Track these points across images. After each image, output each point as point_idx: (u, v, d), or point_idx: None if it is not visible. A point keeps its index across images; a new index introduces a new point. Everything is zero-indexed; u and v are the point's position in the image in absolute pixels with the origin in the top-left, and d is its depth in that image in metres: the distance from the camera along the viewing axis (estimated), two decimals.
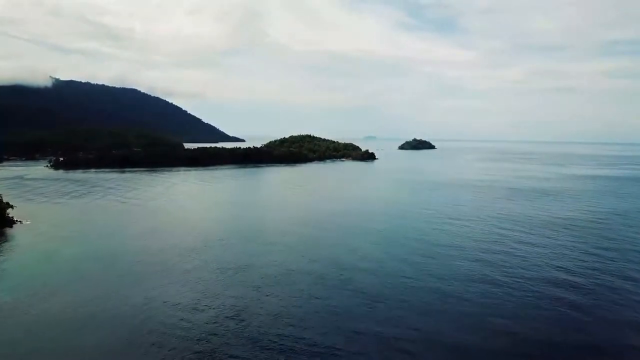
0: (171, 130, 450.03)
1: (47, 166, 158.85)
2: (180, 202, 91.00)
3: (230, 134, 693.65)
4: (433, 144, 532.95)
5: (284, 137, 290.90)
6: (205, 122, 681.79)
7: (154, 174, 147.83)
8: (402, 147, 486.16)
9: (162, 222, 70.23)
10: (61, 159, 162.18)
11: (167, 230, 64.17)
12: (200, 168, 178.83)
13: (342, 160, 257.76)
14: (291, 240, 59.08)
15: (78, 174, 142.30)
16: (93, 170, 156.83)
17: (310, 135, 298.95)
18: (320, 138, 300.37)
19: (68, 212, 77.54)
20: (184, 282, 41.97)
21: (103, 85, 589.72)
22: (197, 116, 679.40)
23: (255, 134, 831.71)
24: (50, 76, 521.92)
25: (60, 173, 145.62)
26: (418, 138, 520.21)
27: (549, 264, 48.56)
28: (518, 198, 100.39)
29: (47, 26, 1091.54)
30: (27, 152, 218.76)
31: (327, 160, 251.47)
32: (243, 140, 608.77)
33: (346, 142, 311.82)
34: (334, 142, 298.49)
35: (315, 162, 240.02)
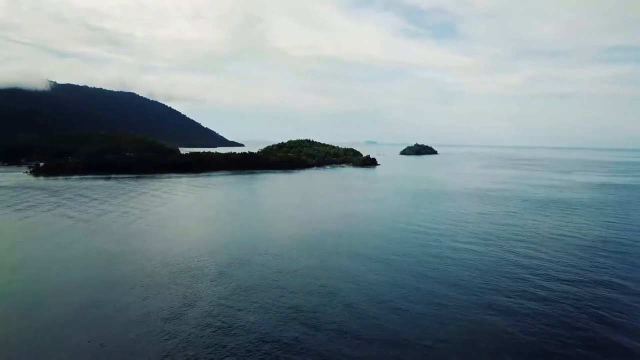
0: (169, 135, 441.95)
1: (26, 172, 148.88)
2: (149, 216, 79.63)
3: (230, 139, 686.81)
4: (435, 149, 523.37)
5: (282, 142, 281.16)
6: (204, 126, 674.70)
7: (140, 181, 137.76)
8: (403, 153, 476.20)
9: (120, 243, 59.70)
10: (42, 164, 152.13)
11: (120, 255, 53.27)
12: (192, 174, 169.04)
13: (342, 166, 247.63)
14: (272, 274, 48.54)
15: (56, 181, 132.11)
16: (76, 177, 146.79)
17: (309, 140, 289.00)
18: (320, 143, 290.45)
19: (7, 230, 67.07)
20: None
21: (101, 88, 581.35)
22: (197, 120, 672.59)
23: (254, 138, 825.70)
24: (48, 80, 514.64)
25: (38, 180, 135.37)
26: (420, 143, 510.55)
27: (603, 319, 37.94)
28: (537, 211, 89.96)
29: (48, 31, 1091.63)
30: (13, 157, 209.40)
31: (327, 166, 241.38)
32: (242, 145, 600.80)
33: (346, 147, 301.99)
34: (333, 147, 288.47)
35: (314, 168, 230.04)
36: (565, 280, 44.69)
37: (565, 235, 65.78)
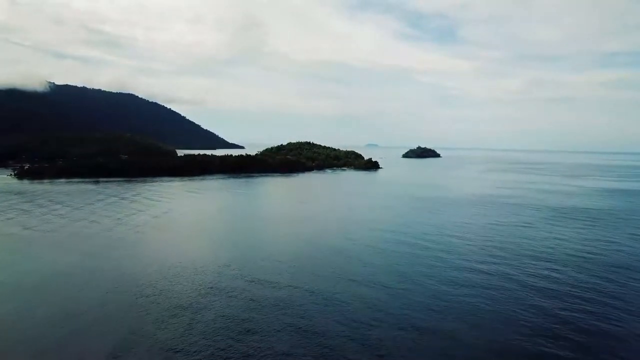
0: (168, 137, 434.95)
1: (10, 175, 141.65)
2: (121, 227, 71.95)
3: (230, 141, 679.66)
4: (438, 152, 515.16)
5: (281, 144, 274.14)
6: (205, 128, 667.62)
7: (128, 185, 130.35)
8: (406, 155, 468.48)
9: (75, 259, 52.30)
10: (26, 166, 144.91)
11: (70, 276, 46.01)
12: (186, 178, 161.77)
13: (344, 170, 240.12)
14: (258, 306, 40.93)
15: (40, 185, 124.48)
16: (63, 180, 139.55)
17: (309, 142, 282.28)
18: (320, 145, 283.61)
19: None
20: None
21: (100, 89, 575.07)
22: (197, 122, 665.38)
23: (255, 141, 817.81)
24: (47, 81, 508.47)
25: (21, 183, 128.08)
26: (422, 146, 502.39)
27: None
28: (553, 222, 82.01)
29: (49, 33, 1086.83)
30: (3, 159, 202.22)
31: (327, 170, 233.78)
32: (242, 147, 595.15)
33: (347, 149, 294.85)
34: (334, 149, 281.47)
35: (314, 171, 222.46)
36: (602, 320, 36.77)
37: (593, 254, 57.32)
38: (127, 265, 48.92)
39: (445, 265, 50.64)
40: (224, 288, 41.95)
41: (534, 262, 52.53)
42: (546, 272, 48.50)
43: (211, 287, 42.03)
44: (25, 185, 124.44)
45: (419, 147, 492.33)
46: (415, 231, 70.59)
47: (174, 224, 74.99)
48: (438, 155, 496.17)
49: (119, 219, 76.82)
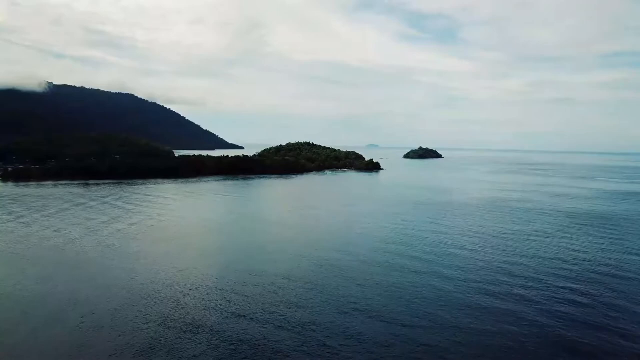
0: (167, 137, 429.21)
1: None
2: (89, 239, 66.11)
3: (230, 142, 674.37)
4: (440, 152, 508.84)
5: (280, 145, 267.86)
6: (204, 128, 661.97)
7: (117, 188, 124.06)
8: (407, 156, 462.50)
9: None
10: (10, 168, 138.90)
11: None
12: (180, 180, 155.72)
13: (344, 171, 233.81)
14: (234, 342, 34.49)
15: (25, 188, 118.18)
16: (50, 182, 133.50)
17: (309, 143, 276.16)
18: (320, 146, 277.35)
19: None
20: None
21: (98, 90, 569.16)
22: (196, 123, 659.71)
23: (256, 142, 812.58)
24: (46, 81, 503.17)
25: (4, 186, 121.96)
26: (424, 147, 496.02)
27: None
28: (573, 231, 75.48)
29: (50, 34, 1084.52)
30: None
31: (327, 171, 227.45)
32: (242, 148, 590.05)
33: (348, 150, 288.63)
34: (334, 150, 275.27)
35: (314, 172, 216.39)
36: None
37: (624, 274, 50.43)
38: (80, 289, 41.92)
39: (453, 292, 43.98)
40: (200, 319, 35.63)
41: (556, 286, 44.77)
42: (572, 309, 39.75)
43: (185, 315, 35.76)
44: (8, 188, 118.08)
45: (420, 148, 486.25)
46: (420, 244, 64.10)
47: (152, 234, 68.53)
48: (440, 156, 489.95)
49: (84, 228, 70.12)
